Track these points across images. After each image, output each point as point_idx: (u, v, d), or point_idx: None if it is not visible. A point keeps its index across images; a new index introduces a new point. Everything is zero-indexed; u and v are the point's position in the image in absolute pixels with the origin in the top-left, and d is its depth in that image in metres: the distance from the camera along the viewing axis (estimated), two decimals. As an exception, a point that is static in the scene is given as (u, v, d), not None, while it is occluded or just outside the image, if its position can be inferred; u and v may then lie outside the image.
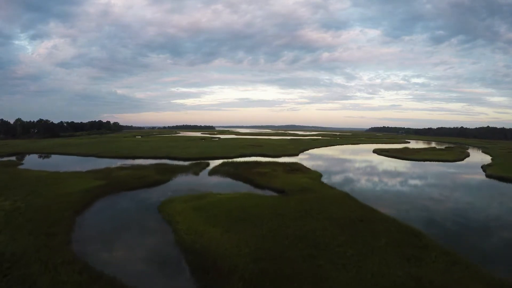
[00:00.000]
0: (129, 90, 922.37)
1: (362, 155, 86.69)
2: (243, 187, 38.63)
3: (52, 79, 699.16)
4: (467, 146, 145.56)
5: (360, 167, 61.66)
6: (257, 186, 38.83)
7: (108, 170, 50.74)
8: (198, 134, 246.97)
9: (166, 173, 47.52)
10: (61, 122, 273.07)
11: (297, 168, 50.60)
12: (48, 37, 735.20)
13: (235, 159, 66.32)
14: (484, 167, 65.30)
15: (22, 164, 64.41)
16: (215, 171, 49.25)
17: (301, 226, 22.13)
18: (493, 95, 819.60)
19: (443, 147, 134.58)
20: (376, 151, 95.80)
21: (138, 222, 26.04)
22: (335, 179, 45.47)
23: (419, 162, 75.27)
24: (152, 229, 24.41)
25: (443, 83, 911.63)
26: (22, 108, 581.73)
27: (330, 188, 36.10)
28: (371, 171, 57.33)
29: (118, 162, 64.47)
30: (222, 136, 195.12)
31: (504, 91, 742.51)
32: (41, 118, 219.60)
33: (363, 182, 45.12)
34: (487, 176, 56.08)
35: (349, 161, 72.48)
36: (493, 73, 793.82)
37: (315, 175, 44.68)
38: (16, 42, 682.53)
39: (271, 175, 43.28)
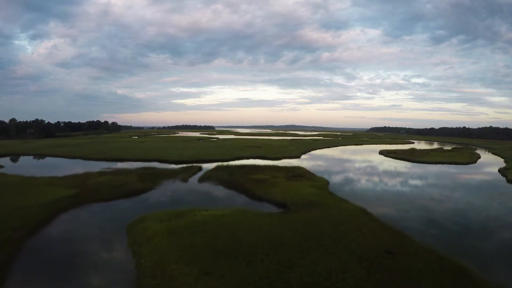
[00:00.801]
0: (129, 90, 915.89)
1: (368, 157, 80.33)
2: (236, 199, 32.26)
3: (52, 79, 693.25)
4: (474, 147, 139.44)
5: (370, 171, 55.19)
6: (253, 197, 32.41)
7: (86, 176, 44.78)
8: (197, 134, 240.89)
9: (150, 180, 41.29)
10: (58, 122, 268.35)
11: (300, 173, 44.26)
12: (48, 37, 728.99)
13: (231, 162, 60.06)
14: (503, 171, 59.09)
15: (3, 167, 58.40)
16: (206, 177, 42.92)
17: (311, 265, 15.77)
18: (493, 95, 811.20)
19: (450, 148, 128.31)
20: (382, 153, 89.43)
21: (98, 250, 19.87)
22: (344, 188, 39.02)
23: (431, 165, 69.17)
24: (110, 264, 18.16)
25: (443, 83, 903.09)
26: (22, 108, 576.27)
27: (341, 201, 29.69)
28: (382, 176, 50.78)
29: (104, 165, 58.68)
30: (220, 137, 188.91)
31: (505, 91, 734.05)
32: (42, 118, 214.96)
33: (378, 191, 38.69)
34: (508, 181, 49.99)
35: (356, 164, 66.06)
36: (493, 73, 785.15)
37: (321, 183, 38.31)
38: (16, 42, 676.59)
39: (270, 183, 36.94)
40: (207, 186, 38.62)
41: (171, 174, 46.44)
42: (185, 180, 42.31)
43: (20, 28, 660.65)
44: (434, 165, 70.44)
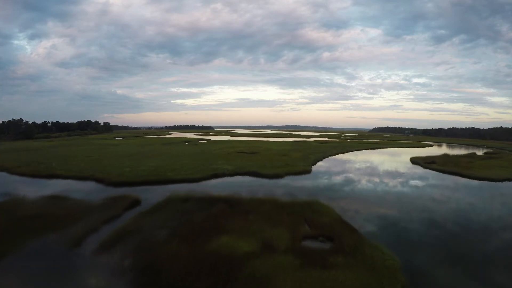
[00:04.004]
0: (129, 90, 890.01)
1: (405, 171, 55.70)
2: None
3: (52, 79, 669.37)
4: (504, 151, 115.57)
5: (443, 212, 28.66)
6: None
7: None
8: (191, 135, 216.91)
9: (6, 240, 17.68)
10: (45, 122, 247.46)
11: (326, 227, 20.08)
12: (47, 36, 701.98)
13: (201, 185, 36.50)
14: None
15: None
16: (118, 239, 18.61)
17: None
18: (494, 95, 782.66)
19: (481, 152, 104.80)
20: (417, 163, 65.08)
21: None
22: None
23: (502, 183, 45.93)
24: None
25: (444, 83, 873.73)
26: (23, 108, 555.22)
27: None
28: (481, 235, 24.07)
29: (13, 186, 36.98)
30: (214, 138, 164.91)
31: (506, 91, 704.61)
32: (43, 118, 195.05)
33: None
34: None
35: (402, 187, 40.53)
36: (495, 73, 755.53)
37: (388, 275, 14.28)
38: (15, 42, 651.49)
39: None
40: (91, 284, 14.63)
41: (70, 218, 22.57)
42: (75, 243, 18.19)
43: (19, 27, 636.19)
44: (501, 182, 47.09)
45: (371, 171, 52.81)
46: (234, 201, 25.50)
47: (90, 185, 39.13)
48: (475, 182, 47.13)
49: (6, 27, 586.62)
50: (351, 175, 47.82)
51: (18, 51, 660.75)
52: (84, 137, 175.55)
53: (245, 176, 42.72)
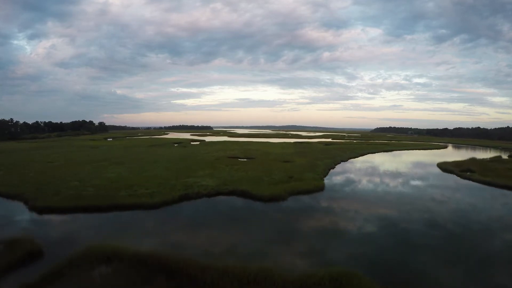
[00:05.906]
0: (129, 90, 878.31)
1: (446, 183, 43.16)
2: None
3: (52, 79, 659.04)
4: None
5: None
6: None
7: None
8: (187, 135, 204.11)
9: None
10: (37, 122, 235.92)
11: None
12: (46, 36, 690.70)
13: (160, 209, 23.75)
14: None
15: None
16: None
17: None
18: (494, 95, 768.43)
19: (505, 155, 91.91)
20: (450, 170, 51.95)
21: None
22: None
23: None
24: None
25: (444, 83, 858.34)
26: (22, 108, 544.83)
27: None
28: None
29: None
30: (209, 139, 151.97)
31: (506, 91, 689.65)
32: (43, 118, 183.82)
33: None
34: None
35: (450, 218, 28.95)
36: (495, 73, 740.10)
37: None
38: (15, 42, 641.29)
39: None
40: None
41: None
42: None
43: (18, 27, 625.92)
44: None
45: (397, 181, 39.64)
46: (188, 276, 12.58)
47: (9, 210, 26.62)
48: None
49: (6, 27, 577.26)
50: (379, 193, 34.40)
51: (18, 51, 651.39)
52: (73, 138, 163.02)
53: (230, 197, 29.53)
